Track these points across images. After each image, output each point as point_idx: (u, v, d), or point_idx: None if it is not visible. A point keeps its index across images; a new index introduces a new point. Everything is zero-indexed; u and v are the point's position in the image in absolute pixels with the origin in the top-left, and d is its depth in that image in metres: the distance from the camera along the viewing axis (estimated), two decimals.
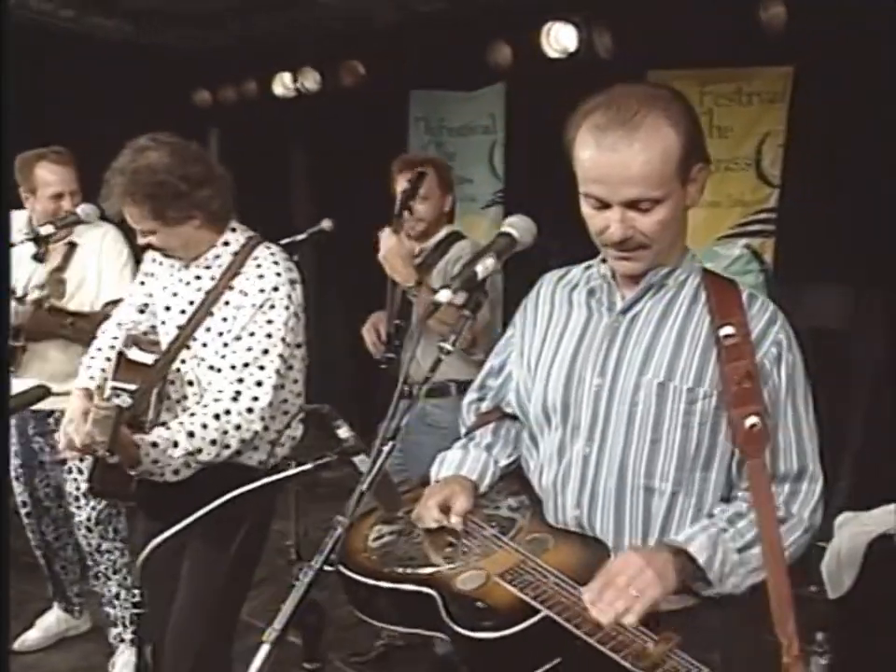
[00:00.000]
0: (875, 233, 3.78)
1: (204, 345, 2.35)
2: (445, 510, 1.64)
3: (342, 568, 1.57)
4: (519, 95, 5.14)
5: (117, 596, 3.40)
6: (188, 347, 2.37)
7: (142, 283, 2.60)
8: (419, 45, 5.02)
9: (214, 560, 2.39)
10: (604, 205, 1.50)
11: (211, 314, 2.34)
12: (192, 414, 2.23)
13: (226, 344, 2.31)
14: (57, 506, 3.53)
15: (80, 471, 3.24)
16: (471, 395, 1.93)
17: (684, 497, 1.56)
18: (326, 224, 3.56)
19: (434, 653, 3.37)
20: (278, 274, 2.32)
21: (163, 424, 2.25)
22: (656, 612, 1.36)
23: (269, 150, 6.00)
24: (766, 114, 4.27)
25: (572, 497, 1.62)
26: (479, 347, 2.92)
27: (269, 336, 2.28)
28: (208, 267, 2.38)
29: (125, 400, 2.06)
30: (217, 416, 2.22)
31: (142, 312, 2.59)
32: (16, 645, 3.55)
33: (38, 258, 3.07)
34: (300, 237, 3.43)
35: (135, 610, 1.65)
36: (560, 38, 4.45)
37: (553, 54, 4.49)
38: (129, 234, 2.79)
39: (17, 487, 3.52)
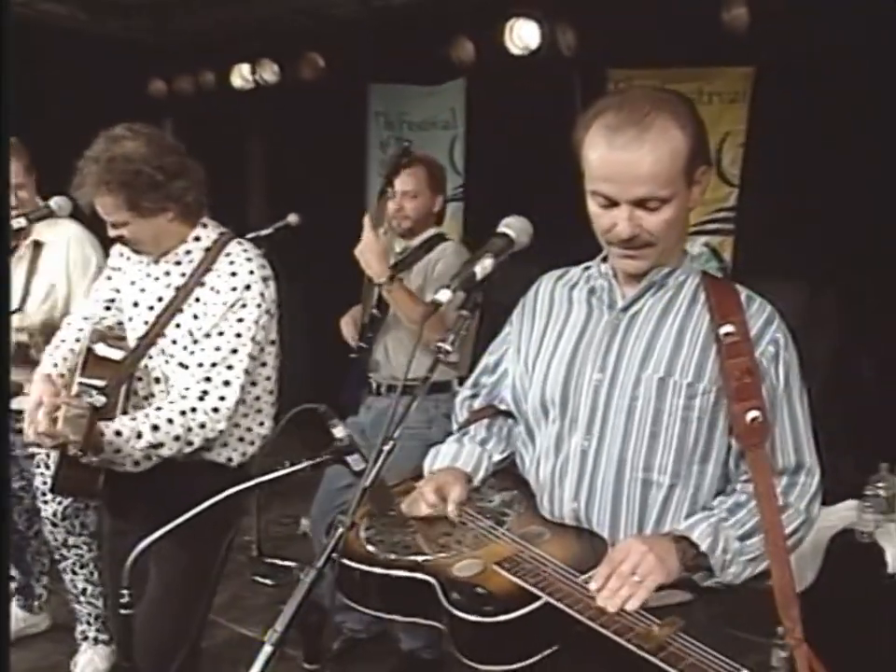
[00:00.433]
0: (830, 231, 3.87)
1: (174, 342, 2.32)
2: (440, 498, 1.66)
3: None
4: (480, 91, 5.12)
5: (83, 592, 3.32)
6: (156, 343, 2.34)
7: (108, 277, 2.56)
8: (379, 39, 4.99)
9: (180, 559, 2.34)
10: (612, 204, 1.53)
11: (181, 310, 2.31)
12: (159, 409, 2.22)
13: (196, 342, 2.28)
14: (31, 497, 3.41)
15: (48, 466, 3.15)
16: (465, 392, 1.94)
17: (681, 490, 1.59)
18: (292, 219, 3.55)
19: (400, 649, 3.37)
20: (251, 272, 2.29)
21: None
22: (651, 608, 1.37)
23: (226, 142, 5.91)
24: (727, 114, 4.31)
25: (570, 490, 1.64)
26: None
27: (238, 336, 2.26)
28: (178, 263, 2.34)
29: (98, 399, 2.03)
30: (182, 413, 2.21)
31: (108, 308, 2.54)
32: None
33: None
34: (264, 232, 3.40)
35: (123, 611, 1.62)
36: (523, 35, 4.44)
37: (515, 51, 4.47)
38: (95, 229, 2.72)
39: None
